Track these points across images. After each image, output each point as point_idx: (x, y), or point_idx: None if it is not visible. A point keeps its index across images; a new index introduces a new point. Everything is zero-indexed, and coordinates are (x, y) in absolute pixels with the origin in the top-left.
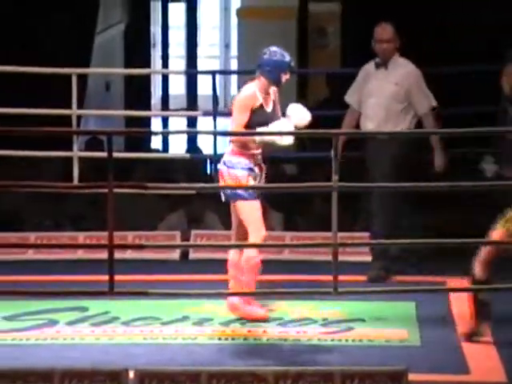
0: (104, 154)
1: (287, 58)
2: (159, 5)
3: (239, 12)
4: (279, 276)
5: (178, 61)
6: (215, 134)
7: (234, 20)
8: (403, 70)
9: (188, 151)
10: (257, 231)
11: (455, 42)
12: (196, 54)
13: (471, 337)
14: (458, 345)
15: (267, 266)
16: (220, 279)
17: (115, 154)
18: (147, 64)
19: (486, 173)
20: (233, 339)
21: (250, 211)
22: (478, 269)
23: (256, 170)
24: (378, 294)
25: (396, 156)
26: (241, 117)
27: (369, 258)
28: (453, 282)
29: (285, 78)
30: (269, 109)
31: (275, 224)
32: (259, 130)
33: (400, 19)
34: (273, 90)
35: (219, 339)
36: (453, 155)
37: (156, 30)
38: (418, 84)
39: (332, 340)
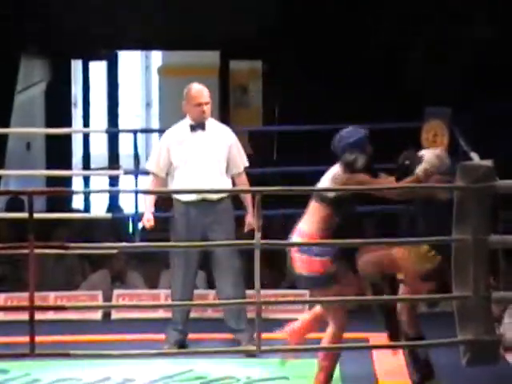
0: (25, 215)
1: (361, 131)
2: (80, 63)
3: (160, 70)
4: (203, 334)
5: (99, 120)
6: (137, 192)
7: (155, 78)
8: (222, 131)
9: (109, 211)
10: None
11: (376, 98)
12: (117, 112)
13: None
14: None
15: (191, 324)
16: (142, 339)
17: (36, 215)
18: (68, 123)
19: None
20: None
21: None
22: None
23: None
24: (301, 352)
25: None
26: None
27: (292, 315)
28: (375, 338)
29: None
30: None
31: (199, 282)
32: None
33: (320, 77)
34: None
35: None
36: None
37: (77, 88)
38: (236, 143)
39: None
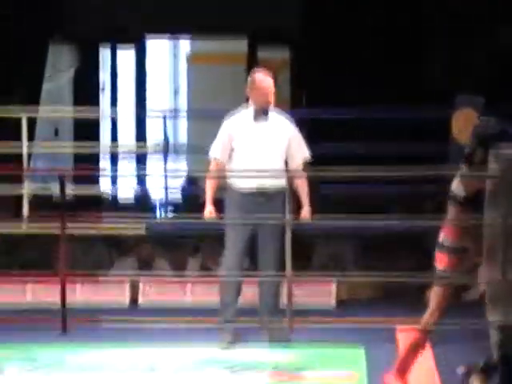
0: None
1: (489, 124)
2: (108, 50)
3: (189, 57)
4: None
5: (127, 107)
6: (166, 174)
7: (183, 65)
8: (284, 122)
9: (137, 195)
10: None
11: (409, 87)
12: (145, 99)
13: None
14: None
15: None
16: (169, 326)
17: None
18: (96, 110)
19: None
20: None
21: None
22: None
23: None
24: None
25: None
26: None
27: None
28: (401, 323)
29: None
30: None
31: None
32: None
33: (350, 65)
34: None
35: None
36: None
37: (105, 75)
38: (297, 136)
39: (282, 383)
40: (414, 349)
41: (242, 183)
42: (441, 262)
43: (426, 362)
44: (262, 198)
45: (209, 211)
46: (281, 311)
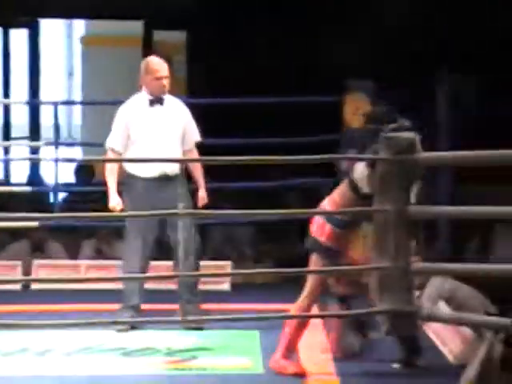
0: None
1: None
2: None
3: (83, 40)
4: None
5: (20, 89)
6: (57, 161)
7: (77, 47)
8: (178, 106)
9: (30, 182)
10: None
11: (301, 73)
12: (39, 82)
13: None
14: (300, 372)
15: (115, 295)
16: (61, 309)
17: None
18: None
19: None
20: (75, 370)
21: None
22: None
23: None
24: (224, 321)
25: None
26: None
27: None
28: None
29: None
30: None
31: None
32: None
33: (244, 49)
34: None
35: (61, 370)
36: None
37: None
38: (191, 119)
39: (175, 369)
40: (297, 328)
41: (143, 171)
42: (322, 233)
43: (314, 339)
44: (163, 183)
45: (116, 203)
46: (198, 293)
